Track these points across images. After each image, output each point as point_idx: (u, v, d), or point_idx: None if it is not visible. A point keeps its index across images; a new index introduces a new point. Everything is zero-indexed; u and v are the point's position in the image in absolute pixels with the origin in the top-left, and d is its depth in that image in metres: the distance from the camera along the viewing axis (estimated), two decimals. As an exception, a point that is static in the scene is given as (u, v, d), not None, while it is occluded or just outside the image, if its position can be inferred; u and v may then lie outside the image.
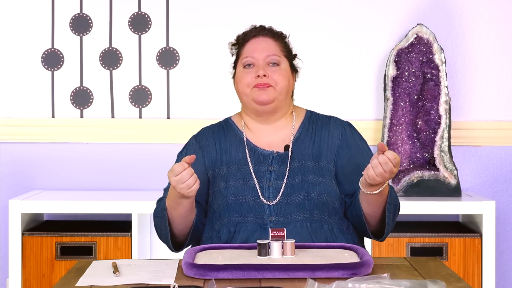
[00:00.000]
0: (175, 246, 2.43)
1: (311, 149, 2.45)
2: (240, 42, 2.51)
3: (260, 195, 2.38)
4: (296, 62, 2.53)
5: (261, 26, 2.52)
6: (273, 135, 2.48)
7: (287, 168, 2.42)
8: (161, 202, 2.41)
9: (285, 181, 2.40)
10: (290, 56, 2.52)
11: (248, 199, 2.38)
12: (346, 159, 2.44)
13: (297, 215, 2.36)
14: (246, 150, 2.46)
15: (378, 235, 2.43)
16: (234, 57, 2.54)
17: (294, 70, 2.52)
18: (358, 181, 2.32)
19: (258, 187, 2.39)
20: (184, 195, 2.24)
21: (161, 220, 2.37)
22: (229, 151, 2.47)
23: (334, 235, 2.36)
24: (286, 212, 2.36)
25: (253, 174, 2.42)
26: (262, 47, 2.46)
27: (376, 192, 2.27)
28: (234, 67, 2.53)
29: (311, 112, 2.55)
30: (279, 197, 2.38)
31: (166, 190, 2.42)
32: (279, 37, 2.51)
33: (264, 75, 2.42)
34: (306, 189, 2.38)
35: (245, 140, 2.48)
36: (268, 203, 2.38)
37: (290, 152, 2.44)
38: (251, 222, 2.36)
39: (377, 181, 2.22)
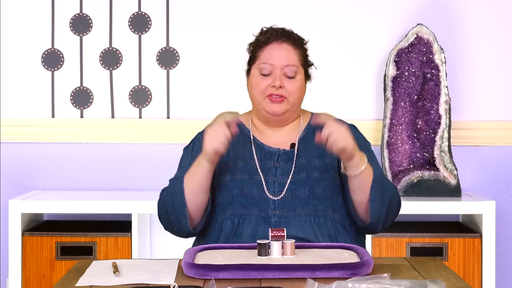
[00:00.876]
0: (187, 231, 2.42)
1: (316, 148, 2.46)
2: (260, 45, 2.47)
3: (266, 190, 2.40)
4: (311, 70, 2.53)
5: (283, 29, 2.49)
6: (280, 135, 2.51)
7: (293, 165, 2.43)
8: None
9: (290, 177, 2.42)
10: (307, 64, 2.51)
11: (253, 192, 2.40)
12: None
13: (301, 210, 2.37)
14: (253, 147, 2.48)
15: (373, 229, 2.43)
16: (250, 55, 2.51)
17: (307, 77, 2.52)
18: None
19: (263, 182, 2.41)
20: (207, 151, 2.29)
21: (176, 188, 2.37)
22: (235, 147, 2.48)
23: (337, 231, 2.38)
24: (290, 206, 2.38)
25: (259, 169, 2.43)
26: (282, 54, 2.44)
27: (358, 170, 2.29)
28: (249, 64, 2.50)
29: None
30: (284, 192, 2.40)
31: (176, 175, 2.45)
32: (300, 44, 2.48)
33: (280, 87, 2.42)
34: (311, 184, 2.40)
35: (251, 137, 2.50)
36: (273, 198, 2.39)
37: (296, 150, 2.46)
38: (255, 215, 2.37)
39: (341, 145, 2.24)
